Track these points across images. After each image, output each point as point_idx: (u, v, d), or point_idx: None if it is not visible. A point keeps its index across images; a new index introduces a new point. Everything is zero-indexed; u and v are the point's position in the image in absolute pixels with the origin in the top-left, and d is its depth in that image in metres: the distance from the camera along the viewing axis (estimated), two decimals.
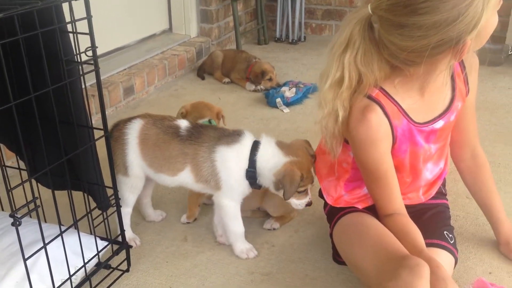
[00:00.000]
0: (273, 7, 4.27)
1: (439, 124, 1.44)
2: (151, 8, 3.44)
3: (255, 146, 1.59)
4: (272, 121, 2.74)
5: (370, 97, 1.35)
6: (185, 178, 1.63)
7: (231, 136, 1.60)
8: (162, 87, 3.21)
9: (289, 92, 2.96)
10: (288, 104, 2.90)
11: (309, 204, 1.64)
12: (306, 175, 1.57)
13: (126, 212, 1.71)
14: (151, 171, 1.66)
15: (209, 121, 1.98)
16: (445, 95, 1.45)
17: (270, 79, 3.11)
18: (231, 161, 1.58)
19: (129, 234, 1.72)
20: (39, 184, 1.56)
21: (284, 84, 3.11)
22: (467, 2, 1.14)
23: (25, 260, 1.24)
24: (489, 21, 1.24)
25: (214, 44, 3.75)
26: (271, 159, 1.57)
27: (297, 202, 1.63)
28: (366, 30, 1.27)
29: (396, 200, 1.45)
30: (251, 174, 1.58)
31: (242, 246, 1.68)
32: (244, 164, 1.58)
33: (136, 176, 1.66)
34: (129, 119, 1.69)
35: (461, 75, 1.45)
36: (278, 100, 2.90)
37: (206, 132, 1.62)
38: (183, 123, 1.65)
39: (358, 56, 1.30)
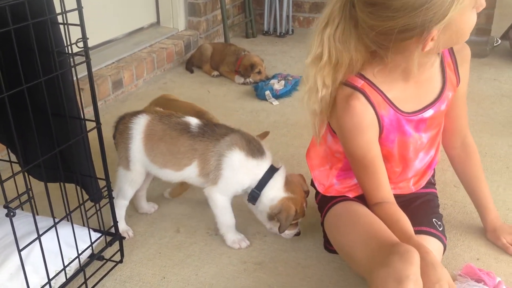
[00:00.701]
0: (260, 0, 4.27)
1: (429, 113, 1.46)
2: (138, 1, 3.42)
3: (270, 172, 1.63)
4: (261, 113, 2.76)
5: (355, 87, 1.38)
6: (190, 173, 1.63)
7: (255, 150, 1.62)
8: (150, 80, 3.20)
9: (278, 85, 2.98)
10: (277, 96, 2.92)
11: (297, 234, 1.71)
12: (299, 210, 1.64)
13: (123, 204, 1.72)
14: (155, 166, 1.66)
15: None
16: (435, 84, 1.47)
17: (259, 72, 3.12)
18: (242, 170, 1.61)
19: (122, 226, 1.72)
20: (30, 178, 1.55)
21: (273, 77, 3.12)
22: None
23: (19, 251, 1.24)
24: (464, 18, 1.25)
25: (202, 37, 3.74)
26: (272, 191, 1.63)
27: (287, 233, 1.68)
28: (347, 9, 1.31)
29: (384, 189, 1.47)
30: (254, 195, 1.63)
31: (233, 237, 1.70)
32: (252, 181, 1.63)
33: (137, 171, 1.67)
34: (136, 113, 1.68)
35: (452, 65, 1.48)
36: (267, 92, 2.92)
37: (221, 131, 1.63)
38: (193, 120, 1.66)
39: (337, 33, 1.32)
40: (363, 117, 1.38)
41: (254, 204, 1.66)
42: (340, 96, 1.40)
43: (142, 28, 3.51)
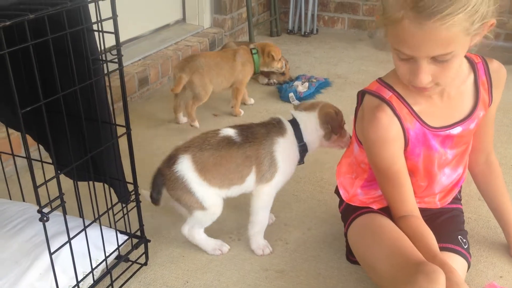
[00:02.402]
0: None
1: (457, 130, 1.44)
2: None
3: (294, 123, 1.70)
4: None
5: (382, 99, 1.37)
6: (250, 181, 1.65)
7: (277, 127, 1.69)
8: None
9: (302, 87, 2.98)
10: (300, 98, 2.92)
11: (349, 139, 1.77)
12: (337, 111, 1.73)
13: (202, 231, 1.72)
14: (224, 190, 1.64)
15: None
16: (466, 101, 1.45)
17: (283, 73, 3.11)
18: (288, 147, 1.68)
19: (212, 244, 1.72)
20: (61, 177, 1.58)
21: (297, 78, 3.12)
22: None
23: (51, 254, 1.27)
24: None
25: (227, 35, 3.75)
26: (309, 121, 1.71)
27: (344, 139, 1.76)
28: None
29: (409, 201, 1.47)
30: (303, 147, 1.70)
31: (260, 241, 1.72)
32: (296, 144, 1.69)
33: (214, 204, 1.63)
34: (171, 161, 1.61)
35: (486, 84, 1.45)
36: (291, 94, 2.92)
37: (258, 129, 1.67)
38: (230, 131, 1.65)
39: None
40: (389, 129, 1.37)
41: (302, 161, 1.74)
42: (367, 106, 1.40)
43: (168, 25, 3.53)
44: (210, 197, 1.61)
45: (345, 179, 1.64)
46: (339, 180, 1.66)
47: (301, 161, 1.73)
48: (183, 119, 2.68)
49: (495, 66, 1.45)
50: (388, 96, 1.37)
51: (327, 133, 1.71)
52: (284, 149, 1.66)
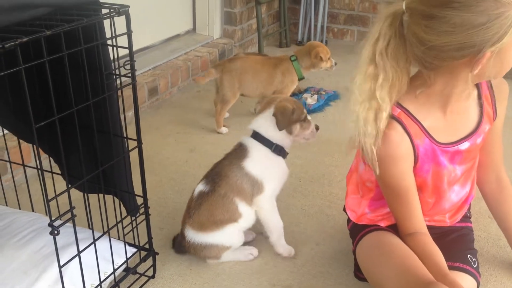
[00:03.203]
0: (295, 10, 4.27)
1: (465, 145, 1.44)
2: (176, 8, 3.47)
3: (254, 135, 1.73)
4: None
5: (391, 116, 1.37)
6: (243, 209, 1.69)
7: (238, 151, 1.73)
8: (184, 88, 3.24)
9: (311, 99, 2.98)
10: (309, 111, 2.92)
11: (317, 128, 1.80)
12: (296, 106, 1.72)
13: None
14: (232, 226, 1.69)
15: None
16: (471, 116, 1.45)
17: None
18: (260, 160, 1.70)
19: (242, 251, 1.77)
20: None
21: (306, 91, 3.12)
22: (498, 12, 1.14)
23: (60, 267, 1.28)
24: (511, 50, 1.23)
25: (236, 46, 3.77)
26: (265, 123, 1.72)
27: (309, 132, 1.77)
28: (397, 26, 1.28)
29: (417, 219, 1.46)
30: (277, 148, 1.72)
31: (285, 244, 1.77)
32: (268, 150, 1.71)
33: (231, 242, 1.72)
34: (183, 235, 1.72)
35: (489, 98, 1.46)
36: None
37: (221, 165, 1.72)
38: (199, 186, 1.72)
39: (389, 49, 1.30)
40: (399, 146, 1.37)
41: (285, 157, 1.76)
42: None
43: (178, 35, 3.55)
44: (225, 238, 1.70)
45: (351, 200, 1.64)
46: (346, 200, 1.66)
47: (285, 155, 1.76)
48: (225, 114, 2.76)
49: (497, 80, 1.45)
50: (397, 113, 1.37)
51: (277, 124, 1.71)
52: (255, 164, 1.69)
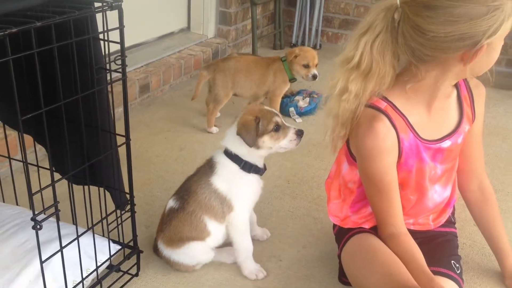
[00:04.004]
0: (291, 12, 4.27)
1: (446, 143, 1.46)
2: (170, 6, 3.45)
3: (225, 151, 1.64)
4: None
5: (378, 109, 1.38)
6: (212, 227, 1.63)
7: (207, 167, 1.65)
8: (176, 86, 3.23)
9: (302, 102, 2.98)
10: (301, 114, 2.92)
11: (299, 133, 1.65)
12: (261, 115, 1.59)
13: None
14: (201, 243, 1.64)
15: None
16: (452, 115, 1.48)
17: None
18: (229, 177, 1.62)
19: (251, 266, 1.69)
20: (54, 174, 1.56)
21: (298, 93, 3.12)
22: (496, 4, 1.18)
23: (41, 262, 1.26)
24: (499, 45, 1.28)
25: (230, 46, 3.76)
26: (232, 139, 1.61)
27: (286, 141, 1.63)
28: (389, 20, 1.30)
29: (397, 215, 1.47)
30: (246, 165, 1.61)
31: (251, 266, 1.68)
32: (235, 166, 1.61)
33: (197, 261, 1.69)
34: (156, 247, 1.70)
35: (468, 99, 1.49)
36: (292, 109, 2.92)
37: (191, 181, 1.65)
38: (170, 203, 1.67)
39: (376, 42, 1.32)
40: (385, 140, 1.38)
41: (260, 173, 1.66)
42: (363, 117, 1.40)
43: (172, 32, 3.54)
44: (189, 257, 1.65)
45: (333, 205, 1.64)
46: (328, 206, 1.65)
47: (259, 172, 1.66)
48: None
49: (475, 82, 1.50)
50: (383, 106, 1.38)
51: (257, 146, 1.60)
52: (223, 181, 1.62)
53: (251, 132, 1.56)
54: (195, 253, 1.64)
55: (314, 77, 2.70)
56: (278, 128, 1.60)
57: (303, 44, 4.17)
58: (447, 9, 1.19)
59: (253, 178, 1.65)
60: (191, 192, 1.63)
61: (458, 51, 1.24)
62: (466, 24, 1.19)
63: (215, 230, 1.64)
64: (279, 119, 1.62)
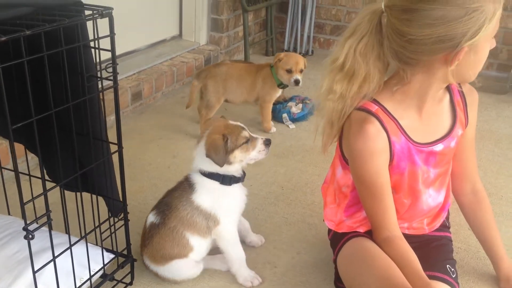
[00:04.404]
0: (282, 19, 4.29)
1: (439, 147, 1.46)
2: (162, 13, 3.46)
3: (200, 171, 1.62)
4: (277, 136, 2.76)
5: (369, 112, 1.39)
6: (196, 242, 1.61)
7: (186, 184, 1.63)
8: (169, 93, 3.22)
9: (295, 108, 2.98)
10: (294, 120, 2.92)
11: (267, 142, 1.64)
12: (229, 132, 1.58)
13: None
14: (184, 260, 1.63)
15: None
16: (445, 119, 1.49)
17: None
18: (210, 193, 1.60)
19: (246, 273, 1.68)
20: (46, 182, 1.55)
21: (291, 99, 3.12)
22: (474, 6, 1.19)
23: (34, 272, 1.25)
24: (485, 46, 1.29)
25: (222, 53, 3.76)
26: (204, 160, 1.59)
27: (255, 152, 1.62)
28: (374, 24, 1.32)
29: (391, 219, 1.47)
30: (227, 178, 1.60)
31: (246, 273, 1.67)
32: (215, 183, 1.60)
33: (183, 277, 1.67)
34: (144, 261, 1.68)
35: (461, 104, 1.50)
36: (285, 115, 2.92)
37: (172, 197, 1.63)
38: (150, 217, 1.65)
39: (359, 45, 1.34)
40: (376, 141, 1.38)
41: (241, 181, 1.65)
42: (354, 119, 1.41)
43: (164, 40, 3.54)
44: (173, 273, 1.64)
45: (329, 210, 1.64)
46: (324, 211, 1.66)
47: (239, 181, 1.65)
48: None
49: (468, 87, 1.51)
50: (374, 109, 1.39)
51: (228, 162, 1.58)
52: (205, 198, 1.60)
53: (220, 152, 1.55)
54: (180, 270, 1.63)
55: (297, 82, 2.66)
56: (247, 141, 1.60)
57: (295, 50, 4.19)
58: (425, 12, 1.21)
59: (236, 188, 1.64)
60: (172, 207, 1.60)
61: (439, 53, 1.26)
62: (444, 26, 1.21)
63: (198, 245, 1.62)
64: (246, 132, 1.62)
